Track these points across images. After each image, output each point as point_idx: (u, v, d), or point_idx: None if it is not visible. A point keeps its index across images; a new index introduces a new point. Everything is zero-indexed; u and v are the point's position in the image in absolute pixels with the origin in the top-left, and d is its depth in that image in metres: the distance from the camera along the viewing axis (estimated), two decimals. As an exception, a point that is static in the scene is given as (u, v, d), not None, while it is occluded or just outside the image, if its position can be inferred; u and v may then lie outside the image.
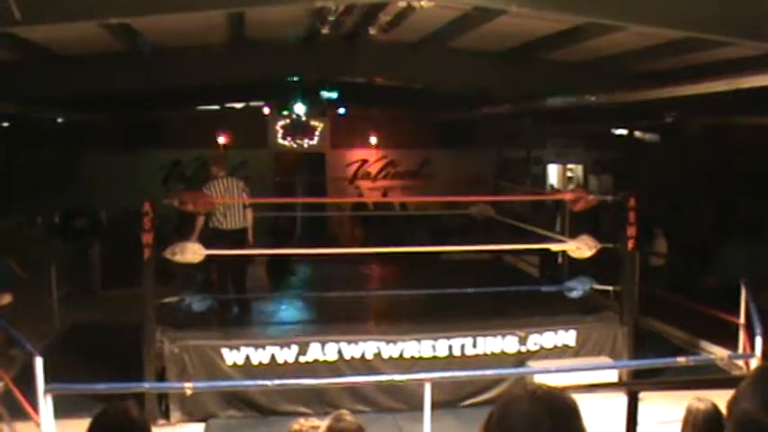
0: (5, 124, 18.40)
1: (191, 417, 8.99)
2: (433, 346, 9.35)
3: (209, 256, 9.41)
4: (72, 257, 15.29)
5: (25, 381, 7.73)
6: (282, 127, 21.91)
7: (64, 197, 18.91)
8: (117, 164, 20.11)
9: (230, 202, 10.45)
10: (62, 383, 7.25)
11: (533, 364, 9.28)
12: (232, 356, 9.06)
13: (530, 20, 10.11)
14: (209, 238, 10.15)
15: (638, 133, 20.76)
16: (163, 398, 9.02)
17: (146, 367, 8.78)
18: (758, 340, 8.93)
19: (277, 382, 8.18)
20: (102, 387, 7.49)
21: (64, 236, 17.35)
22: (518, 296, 11.21)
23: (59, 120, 18.74)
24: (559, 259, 13.09)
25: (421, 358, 9.32)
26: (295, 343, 9.17)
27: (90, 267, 15.54)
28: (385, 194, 21.70)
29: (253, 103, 21.39)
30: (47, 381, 6.95)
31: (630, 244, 9.65)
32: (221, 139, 21.53)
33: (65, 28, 9.10)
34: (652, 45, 10.88)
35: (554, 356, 9.52)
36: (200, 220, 10.38)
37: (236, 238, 10.47)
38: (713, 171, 17.44)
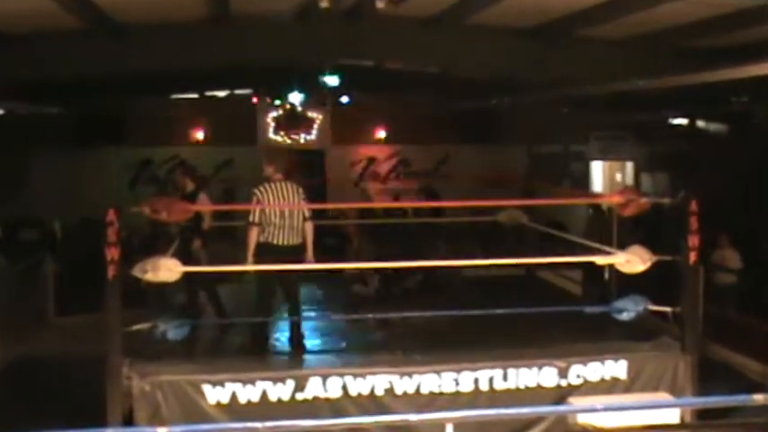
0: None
1: (164, 467, 8.94)
2: (456, 380, 9.29)
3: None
4: (18, 277, 15.23)
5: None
6: (274, 119, 21.94)
7: (8, 205, 18.86)
8: (74, 165, 20.13)
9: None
10: (5, 431, 7.19)
11: (576, 401, 9.20)
12: (215, 394, 9.00)
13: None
14: (259, 254, 10.28)
15: (700, 123, 20.68)
16: (131, 445, 8.98)
17: (109, 409, 8.73)
18: None
19: (269, 424, 8.05)
20: (54, 435, 7.42)
21: (7, 251, 17.27)
22: (557, 319, 11.12)
23: (0, 112, 18.71)
24: (606, 275, 13.01)
25: (441, 394, 9.26)
26: (291, 377, 9.11)
27: (40, 289, 15.47)
28: (397, 198, 21.65)
29: (238, 92, 21.41)
30: (-16, 428, 6.90)
31: (693, 256, 9.54)
32: (201, 134, 21.54)
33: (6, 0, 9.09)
34: (715, 16, 10.80)
35: (601, 392, 9.43)
36: (254, 233, 10.40)
37: (291, 255, 10.47)
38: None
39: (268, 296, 10.81)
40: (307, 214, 10.68)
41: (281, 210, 10.43)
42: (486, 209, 14.30)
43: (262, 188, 10.55)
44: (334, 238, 17.97)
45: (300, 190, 10.74)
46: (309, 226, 10.68)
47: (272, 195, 10.48)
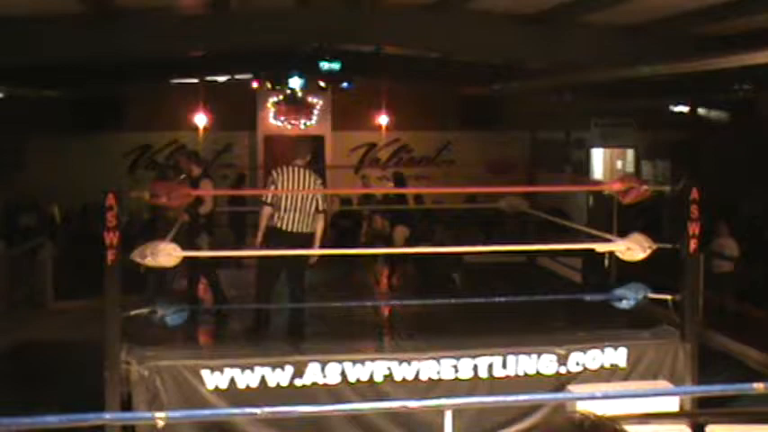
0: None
1: (163, 453, 8.93)
2: (455, 367, 9.28)
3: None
4: (16, 262, 15.20)
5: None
6: (274, 105, 21.91)
7: (6, 189, 18.83)
8: (73, 149, 20.08)
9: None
10: (3, 417, 7.19)
11: (575, 389, 9.20)
12: (214, 379, 8.99)
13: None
14: (267, 238, 10.39)
15: (702, 110, 20.65)
16: (129, 431, 8.98)
17: (108, 394, 8.72)
18: None
19: (268, 409, 8.02)
20: (53, 420, 7.36)
21: (6, 236, 17.26)
22: (557, 306, 11.14)
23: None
24: (606, 262, 13.01)
25: (440, 381, 9.25)
26: (289, 363, 9.09)
27: (39, 274, 15.46)
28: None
29: (238, 77, 21.37)
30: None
31: (693, 244, 9.54)
32: (200, 120, 21.51)
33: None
34: (721, 2, 10.77)
35: (600, 379, 9.44)
36: (266, 213, 10.47)
37: (299, 242, 10.49)
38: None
39: (271, 281, 10.82)
40: (321, 207, 10.69)
41: (293, 194, 10.46)
42: (487, 196, 14.30)
43: (279, 169, 10.64)
44: (349, 220, 18.09)
45: (319, 181, 10.77)
46: (321, 218, 10.69)
47: (287, 178, 10.52)
